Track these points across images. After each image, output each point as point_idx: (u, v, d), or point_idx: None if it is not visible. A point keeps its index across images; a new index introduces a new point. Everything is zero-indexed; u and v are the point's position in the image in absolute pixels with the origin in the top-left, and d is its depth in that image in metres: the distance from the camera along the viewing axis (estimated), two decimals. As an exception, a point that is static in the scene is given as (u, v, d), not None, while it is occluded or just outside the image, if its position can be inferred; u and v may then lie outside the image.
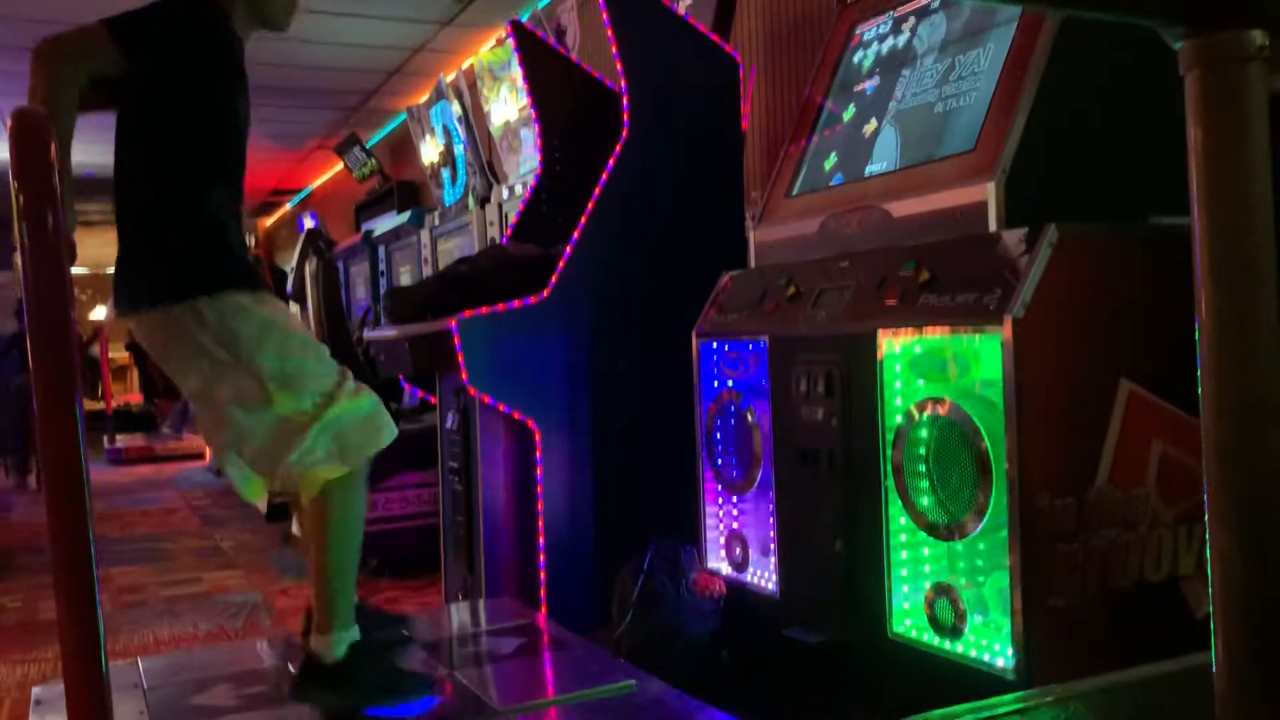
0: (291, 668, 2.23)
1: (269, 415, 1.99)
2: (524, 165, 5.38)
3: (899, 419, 1.98)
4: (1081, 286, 1.79)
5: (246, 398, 1.98)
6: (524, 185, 4.92)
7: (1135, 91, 1.96)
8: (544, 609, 2.86)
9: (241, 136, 2.11)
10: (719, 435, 2.56)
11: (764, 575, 2.43)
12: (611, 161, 2.99)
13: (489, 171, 5.88)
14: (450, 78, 6.39)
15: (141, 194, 2.06)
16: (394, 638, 2.37)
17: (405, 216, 7.00)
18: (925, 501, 1.92)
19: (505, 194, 5.35)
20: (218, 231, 2.04)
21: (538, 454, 2.92)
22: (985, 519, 1.79)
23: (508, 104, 5.49)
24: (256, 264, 2.16)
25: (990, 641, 1.82)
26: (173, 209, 2.03)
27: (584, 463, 2.96)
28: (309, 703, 2.03)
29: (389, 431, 2.09)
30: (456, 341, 2.80)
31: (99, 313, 9.91)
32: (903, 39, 2.45)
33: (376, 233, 7.56)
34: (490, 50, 5.75)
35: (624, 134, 3.00)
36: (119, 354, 10.42)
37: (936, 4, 2.37)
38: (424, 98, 6.66)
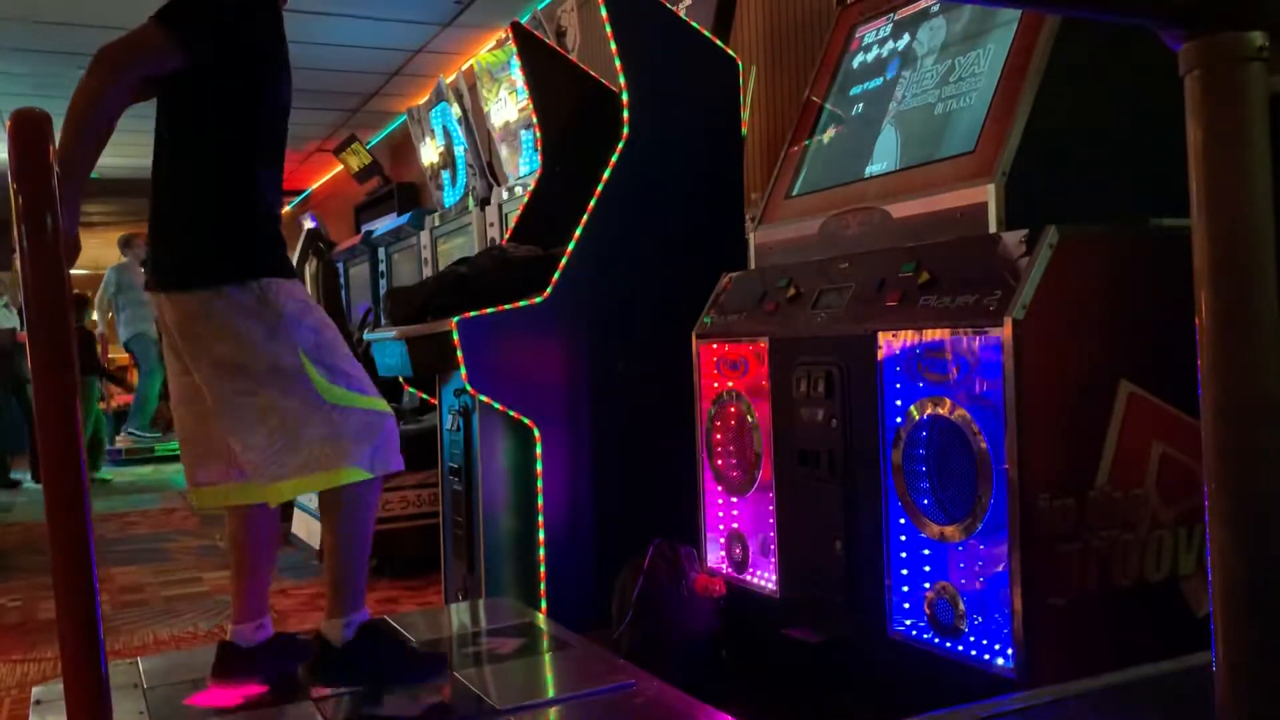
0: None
1: (297, 392, 2.00)
2: (524, 166, 5.38)
3: (899, 420, 1.98)
4: (1081, 288, 1.79)
5: (279, 374, 1.99)
6: (524, 186, 4.92)
7: (1135, 92, 1.96)
8: (544, 609, 2.86)
9: (284, 116, 2.14)
10: (719, 436, 2.56)
11: (764, 575, 2.43)
12: (611, 162, 3.00)
13: (489, 173, 5.88)
14: (450, 79, 6.39)
15: (190, 174, 2.06)
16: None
17: (405, 218, 7.00)
18: (925, 502, 1.92)
19: (505, 195, 5.35)
20: (267, 217, 2.10)
21: (538, 454, 2.92)
22: (985, 519, 1.79)
23: (507, 105, 5.50)
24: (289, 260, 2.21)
25: (990, 641, 1.82)
26: (224, 191, 2.05)
27: (584, 463, 2.96)
28: (323, 686, 2.07)
29: (398, 455, 2.13)
30: (457, 342, 2.80)
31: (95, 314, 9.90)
32: (903, 41, 2.45)
33: (376, 234, 7.57)
34: (490, 51, 5.76)
35: (624, 135, 3.00)
36: (119, 354, 10.41)
37: (936, 7, 2.37)
38: (424, 99, 6.66)
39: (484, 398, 2.88)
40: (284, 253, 2.12)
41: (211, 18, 2.00)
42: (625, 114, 3.01)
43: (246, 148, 2.06)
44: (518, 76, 4.87)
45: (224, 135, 2.05)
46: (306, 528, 5.01)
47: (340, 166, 8.92)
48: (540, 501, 2.91)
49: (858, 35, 2.63)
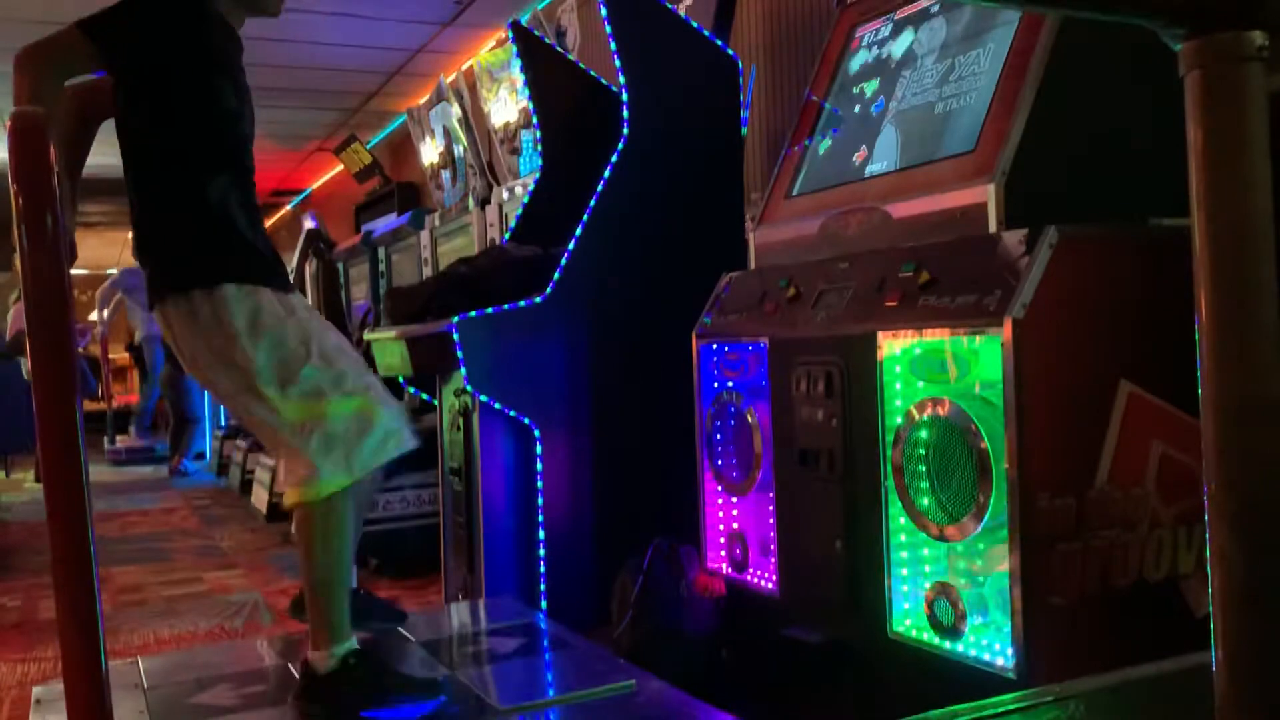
0: (292, 667, 2.24)
1: (266, 409, 2.00)
2: (524, 166, 5.38)
3: (899, 420, 1.98)
4: (1081, 287, 1.79)
5: (245, 391, 2.00)
6: (524, 186, 4.92)
7: (1135, 92, 1.96)
8: (544, 609, 2.86)
9: (232, 121, 2.09)
10: (719, 436, 2.56)
11: (764, 575, 2.43)
12: (611, 162, 3.00)
13: (489, 172, 5.88)
14: (450, 79, 6.39)
15: (139, 189, 2.08)
16: (390, 628, 2.37)
17: (405, 218, 7.00)
18: (925, 502, 1.92)
19: (505, 195, 5.35)
20: (214, 222, 2.03)
21: (538, 454, 2.92)
22: (985, 519, 1.79)
23: (507, 105, 5.49)
24: (273, 257, 2.13)
25: (990, 641, 1.82)
26: (167, 202, 2.05)
27: (584, 463, 2.96)
28: (309, 714, 2.02)
29: (400, 442, 2.09)
30: (456, 342, 2.80)
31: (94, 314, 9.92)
32: (902, 41, 2.45)
33: (376, 234, 7.56)
34: (490, 51, 5.75)
35: (624, 134, 3.00)
36: (119, 354, 10.42)
37: (936, 7, 2.37)
38: (424, 99, 6.66)
39: (484, 398, 2.88)
40: (244, 259, 2.03)
41: (128, 22, 2.01)
42: (625, 114, 3.01)
43: (187, 157, 2.04)
44: (518, 76, 4.87)
45: (158, 146, 2.05)
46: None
47: (340, 166, 8.92)
48: (540, 501, 2.91)
49: (858, 35, 2.63)
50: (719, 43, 3.21)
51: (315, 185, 11.30)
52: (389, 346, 3.31)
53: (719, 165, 3.19)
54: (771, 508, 2.36)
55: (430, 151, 6.62)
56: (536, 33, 3.80)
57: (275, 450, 2.09)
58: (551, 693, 2.20)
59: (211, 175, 2.04)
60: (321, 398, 2.01)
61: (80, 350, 8.87)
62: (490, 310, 2.86)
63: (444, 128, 6.28)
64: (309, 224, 8.85)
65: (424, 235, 6.57)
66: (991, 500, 1.78)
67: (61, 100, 1.99)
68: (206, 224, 2.03)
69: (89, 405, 9.08)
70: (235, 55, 2.13)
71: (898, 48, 2.46)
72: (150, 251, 2.07)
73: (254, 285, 2.01)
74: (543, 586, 2.91)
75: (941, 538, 1.89)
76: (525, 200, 3.64)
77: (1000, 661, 1.78)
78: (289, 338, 2.02)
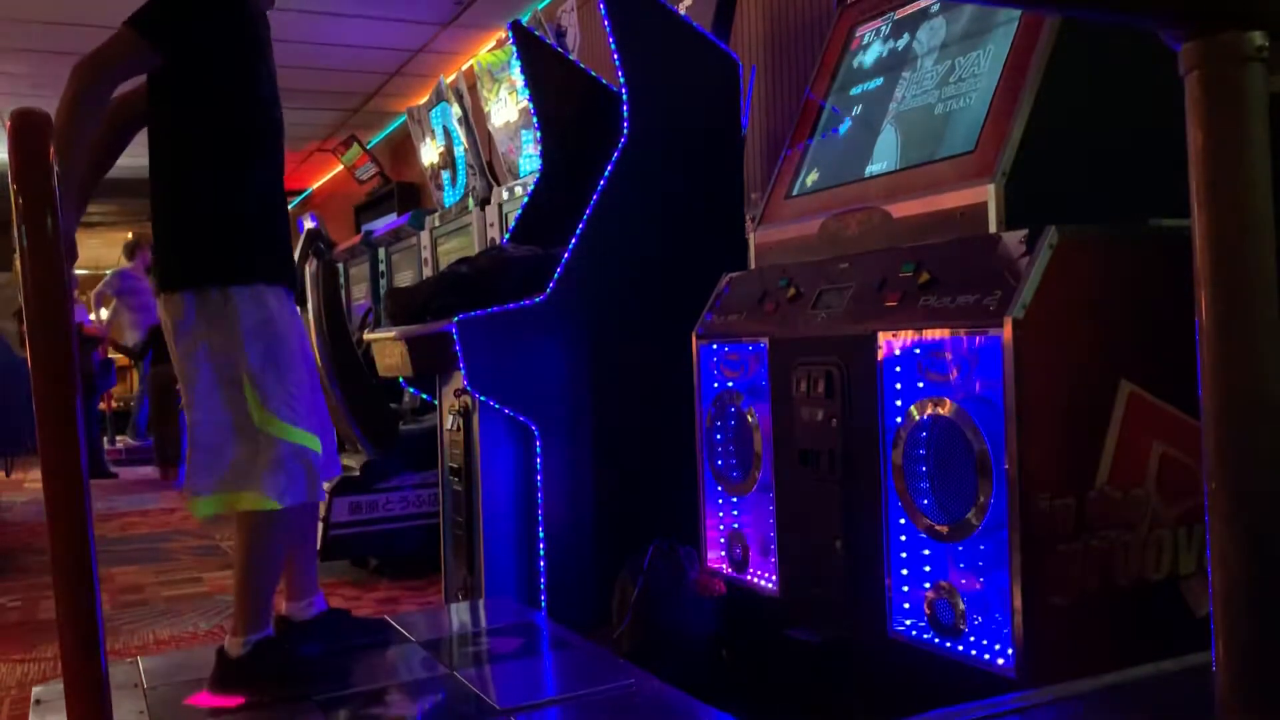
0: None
1: (230, 410, 2.02)
2: (524, 166, 5.38)
3: (899, 420, 1.98)
4: (1081, 287, 1.79)
5: (219, 388, 2.01)
6: (524, 186, 4.92)
7: (1135, 92, 1.96)
8: (544, 609, 2.86)
9: (269, 109, 2.12)
10: (719, 436, 2.56)
11: (764, 575, 2.43)
12: (611, 162, 3.00)
13: (489, 173, 5.88)
14: (450, 79, 6.39)
15: (166, 176, 2.09)
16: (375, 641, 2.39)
17: (405, 218, 7.00)
18: (925, 502, 1.92)
19: (505, 195, 5.35)
20: (248, 217, 2.07)
21: (538, 454, 2.92)
22: (985, 519, 1.79)
23: (508, 105, 5.50)
24: (284, 258, 2.16)
25: (990, 641, 1.82)
26: (196, 192, 2.06)
27: (584, 463, 2.96)
28: (218, 694, 2.09)
29: (313, 488, 2.11)
30: (456, 342, 2.80)
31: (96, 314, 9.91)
32: (903, 40, 2.45)
33: (376, 234, 7.57)
34: (490, 51, 5.76)
35: (624, 134, 3.00)
36: (119, 355, 10.41)
37: (936, 7, 2.37)
38: (424, 99, 6.66)
39: (484, 398, 2.88)
40: (265, 256, 2.08)
41: (177, 12, 2.02)
42: (625, 114, 3.01)
43: (222, 146, 2.05)
44: (518, 76, 4.87)
45: (197, 133, 2.05)
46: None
47: (340, 166, 8.92)
48: (540, 501, 2.91)
49: (858, 35, 2.63)
50: (719, 43, 3.21)
51: (315, 185, 11.30)
52: (389, 346, 3.31)
53: (719, 165, 3.19)
54: (771, 508, 2.36)
55: (430, 151, 6.62)
56: (536, 33, 3.80)
57: (221, 449, 2.06)
58: (551, 693, 2.20)
59: (250, 168, 2.08)
60: (291, 416, 2.06)
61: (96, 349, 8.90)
62: (490, 310, 2.86)
63: (444, 128, 6.29)
64: (309, 224, 8.86)
65: (424, 235, 6.57)
66: (991, 500, 1.78)
67: (102, 111, 1.99)
68: (238, 218, 2.06)
69: (89, 405, 9.06)
70: (269, 36, 2.15)
71: (898, 47, 2.46)
72: (166, 243, 2.06)
73: (280, 286, 2.07)
74: (543, 586, 2.90)
75: (941, 538, 1.89)
76: (525, 200, 3.64)
77: (1000, 661, 1.78)
78: (284, 344, 2.06)
